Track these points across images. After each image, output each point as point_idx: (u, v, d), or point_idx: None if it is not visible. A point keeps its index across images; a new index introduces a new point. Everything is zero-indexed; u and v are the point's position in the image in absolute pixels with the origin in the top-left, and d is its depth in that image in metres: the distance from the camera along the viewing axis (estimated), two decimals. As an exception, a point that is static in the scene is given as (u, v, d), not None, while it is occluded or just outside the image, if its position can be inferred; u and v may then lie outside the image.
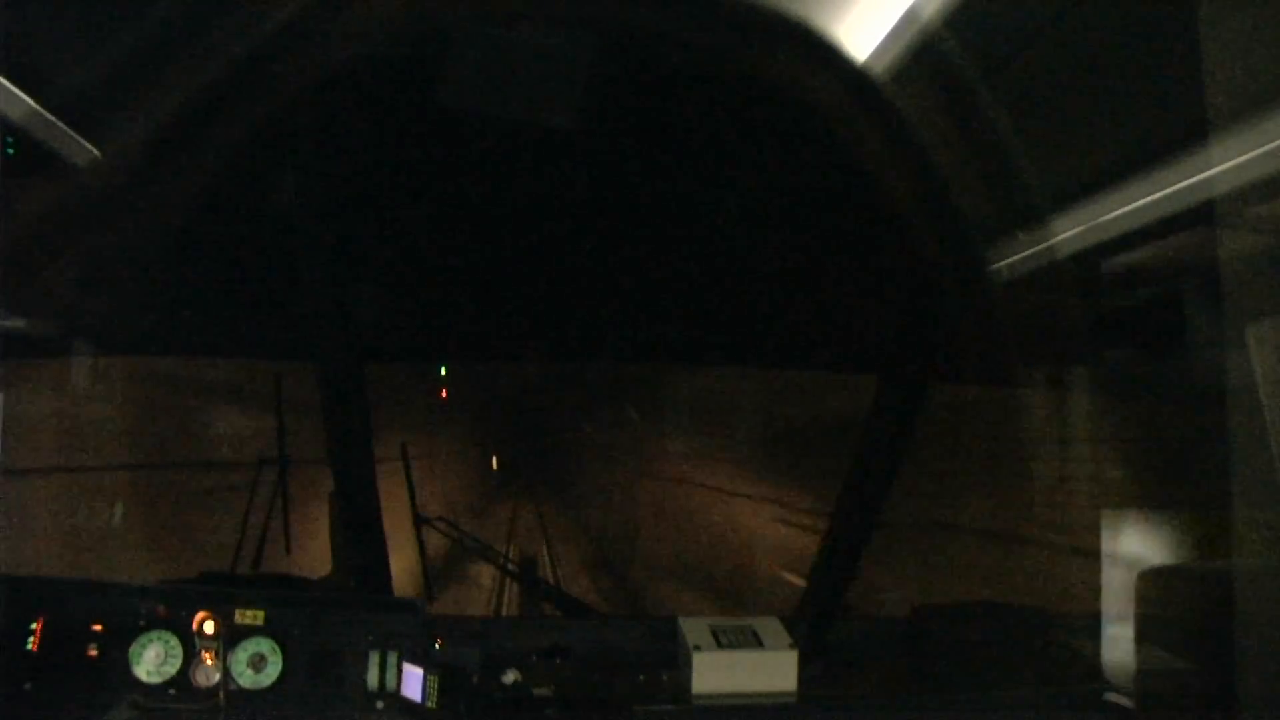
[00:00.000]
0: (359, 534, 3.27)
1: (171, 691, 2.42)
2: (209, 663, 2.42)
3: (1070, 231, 2.71)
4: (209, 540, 3.84)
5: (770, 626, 2.73)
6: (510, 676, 2.61)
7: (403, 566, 3.65)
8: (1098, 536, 3.52)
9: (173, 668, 2.43)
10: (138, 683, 2.42)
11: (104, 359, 3.70)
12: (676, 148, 3.14)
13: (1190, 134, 2.13)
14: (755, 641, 2.65)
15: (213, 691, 2.42)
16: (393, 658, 2.50)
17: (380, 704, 2.48)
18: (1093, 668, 2.89)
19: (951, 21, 2.40)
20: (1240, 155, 2.03)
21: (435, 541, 3.80)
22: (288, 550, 3.54)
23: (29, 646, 2.39)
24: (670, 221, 3.44)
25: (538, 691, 2.59)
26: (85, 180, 2.66)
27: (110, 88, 2.53)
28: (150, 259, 3.16)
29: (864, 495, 3.32)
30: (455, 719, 2.42)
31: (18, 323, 2.81)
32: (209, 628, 2.40)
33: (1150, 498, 3.40)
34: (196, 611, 2.42)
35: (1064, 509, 3.63)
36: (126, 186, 2.79)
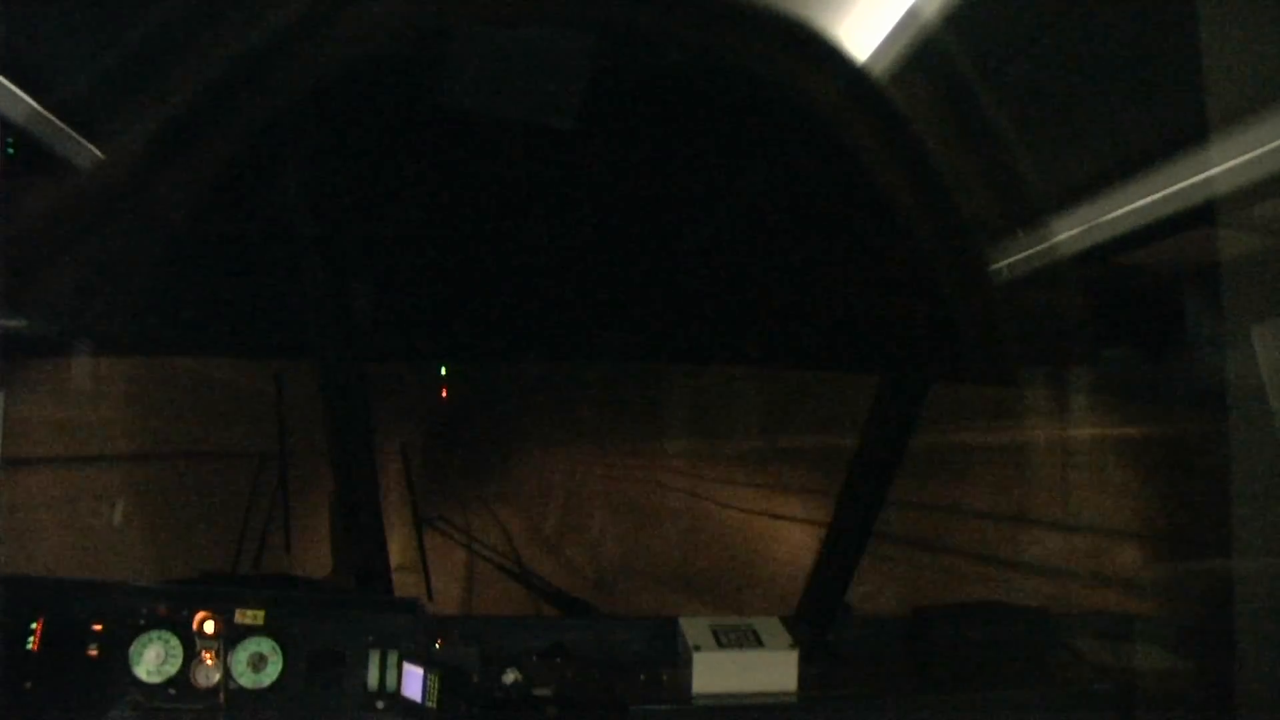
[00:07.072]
0: (359, 534, 3.27)
1: (171, 691, 2.43)
2: (209, 662, 2.43)
3: (1070, 231, 2.71)
4: (209, 540, 3.84)
5: (770, 626, 2.73)
6: (510, 676, 2.61)
7: (402, 566, 3.65)
8: (1097, 536, 3.53)
9: (173, 667, 2.44)
10: (138, 682, 2.42)
11: (104, 359, 3.70)
12: (676, 148, 3.14)
13: (1190, 134, 2.13)
14: (755, 641, 2.65)
15: (213, 691, 2.42)
16: (393, 657, 2.50)
17: (380, 704, 2.48)
18: (1093, 668, 2.89)
19: (951, 21, 2.40)
20: (1240, 155, 2.03)
21: (435, 541, 3.80)
22: (288, 550, 3.54)
23: (29, 646, 2.40)
24: (670, 221, 3.44)
25: (538, 691, 2.59)
26: (86, 180, 2.66)
27: (111, 88, 2.53)
28: (151, 259, 3.16)
29: (864, 495, 3.32)
30: (455, 719, 2.42)
31: (18, 323, 2.81)
32: (209, 627, 2.41)
33: (1150, 497, 3.40)
34: (196, 611, 2.42)
35: (1064, 508, 3.63)
36: (127, 187, 2.79)
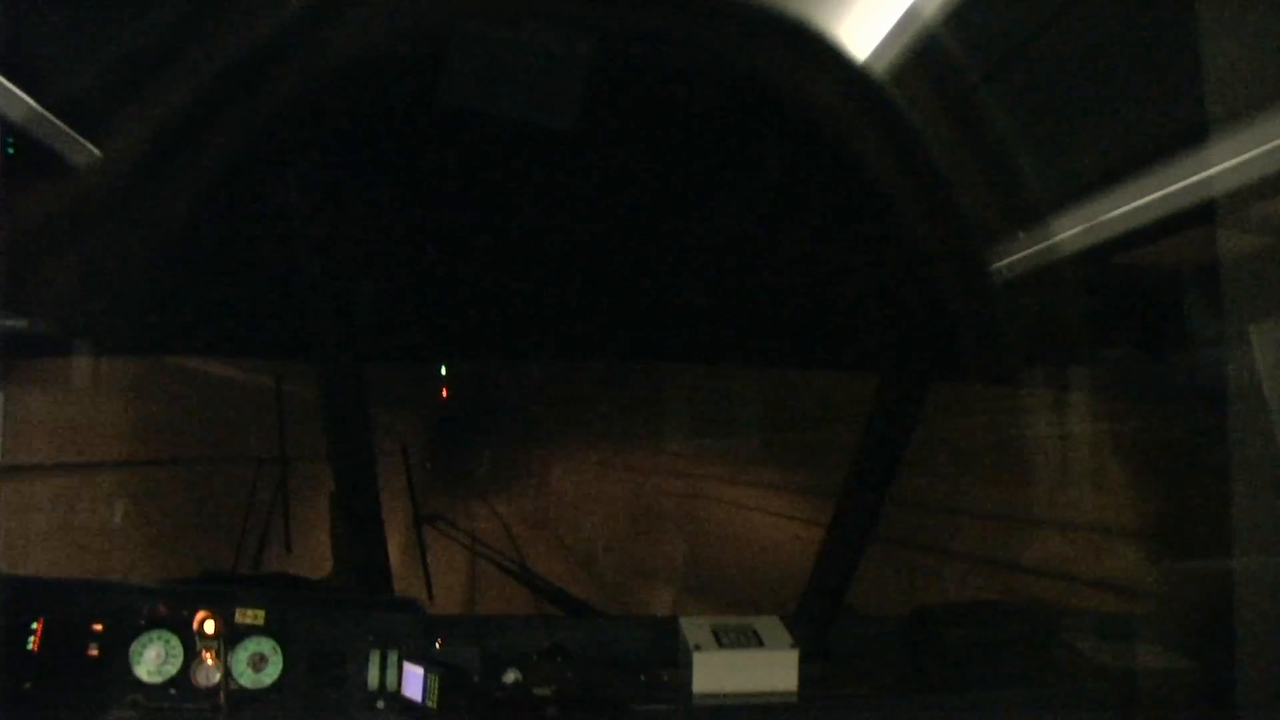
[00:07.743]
0: (359, 534, 3.27)
1: (172, 691, 2.43)
2: (209, 662, 2.43)
3: (1070, 231, 2.71)
4: (209, 540, 3.84)
5: (771, 626, 2.73)
6: (511, 676, 2.61)
7: (403, 566, 3.65)
8: (1097, 537, 3.53)
9: (173, 667, 2.43)
10: (138, 682, 2.42)
11: (104, 359, 3.70)
12: (676, 147, 3.14)
13: (1190, 134, 2.13)
14: (756, 641, 2.65)
15: (213, 691, 2.42)
16: (393, 657, 2.50)
17: (381, 703, 2.48)
18: (1093, 667, 2.89)
19: (951, 21, 2.40)
20: (1240, 155, 2.03)
21: (435, 541, 3.80)
22: (288, 550, 3.54)
23: (29, 646, 2.40)
24: (670, 221, 3.44)
25: (538, 691, 2.59)
26: (86, 180, 2.66)
27: (111, 87, 2.53)
28: (150, 259, 3.16)
29: (865, 494, 3.32)
30: (456, 719, 2.42)
31: (18, 323, 2.81)
32: (209, 627, 2.40)
33: (1150, 497, 3.40)
34: (197, 611, 2.42)
35: (1063, 509, 3.63)
36: (127, 186, 2.79)
